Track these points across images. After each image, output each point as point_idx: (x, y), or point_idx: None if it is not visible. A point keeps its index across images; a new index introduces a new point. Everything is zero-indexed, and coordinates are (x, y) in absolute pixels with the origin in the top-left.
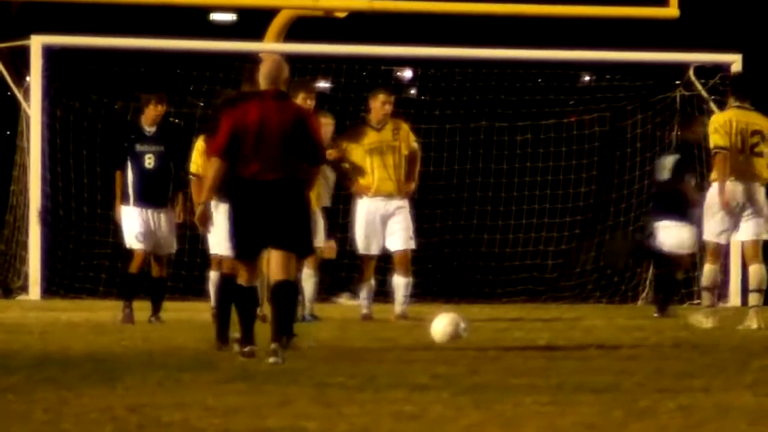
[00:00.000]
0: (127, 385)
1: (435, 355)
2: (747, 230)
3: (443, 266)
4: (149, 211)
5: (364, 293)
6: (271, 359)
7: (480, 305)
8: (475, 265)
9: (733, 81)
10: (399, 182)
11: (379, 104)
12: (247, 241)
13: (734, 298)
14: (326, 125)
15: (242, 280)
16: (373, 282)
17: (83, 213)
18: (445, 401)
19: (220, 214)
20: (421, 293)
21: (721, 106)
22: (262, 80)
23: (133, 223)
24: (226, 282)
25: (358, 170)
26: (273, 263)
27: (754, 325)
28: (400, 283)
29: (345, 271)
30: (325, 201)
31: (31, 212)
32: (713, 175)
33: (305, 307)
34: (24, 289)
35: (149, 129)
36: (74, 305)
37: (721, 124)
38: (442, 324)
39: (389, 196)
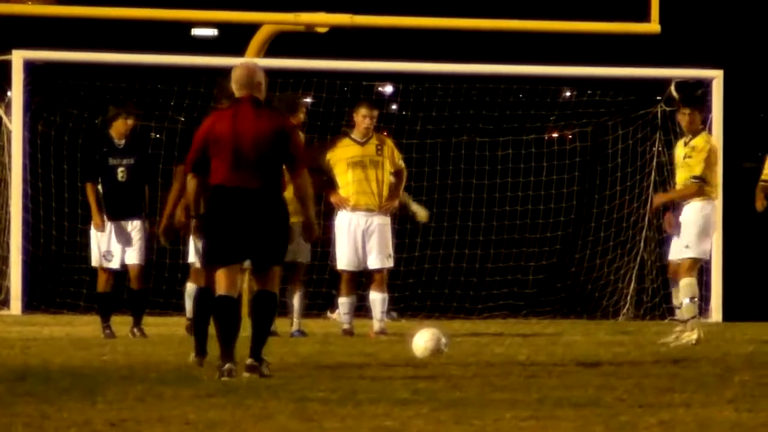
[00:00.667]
0: (108, 400)
1: (416, 370)
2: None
3: (424, 281)
4: (120, 225)
5: (344, 308)
6: (246, 374)
7: (461, 320)
8: (456, 280)
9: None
10: (380, 198)
11: (361, 118)
12: (221, 246)
13: (715, 313)
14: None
15: (220, 288)
16: (353, 297)
17: (64, 228)
18: (426, 416)
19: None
20: (401, 308)
21: (702, 122)
22: (235, 87)
23: (102, 241)
24: (203, 293)
25: (334, 182)
26: (254, 275)
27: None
28: (376, 299)
29: (326, 286)
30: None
31: (12, 227)
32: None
33: (293, 323)
34: (5, 303)
35: (119, 141)
36: (55, 320)
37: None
38: (423, 339)
39: (369, 211)
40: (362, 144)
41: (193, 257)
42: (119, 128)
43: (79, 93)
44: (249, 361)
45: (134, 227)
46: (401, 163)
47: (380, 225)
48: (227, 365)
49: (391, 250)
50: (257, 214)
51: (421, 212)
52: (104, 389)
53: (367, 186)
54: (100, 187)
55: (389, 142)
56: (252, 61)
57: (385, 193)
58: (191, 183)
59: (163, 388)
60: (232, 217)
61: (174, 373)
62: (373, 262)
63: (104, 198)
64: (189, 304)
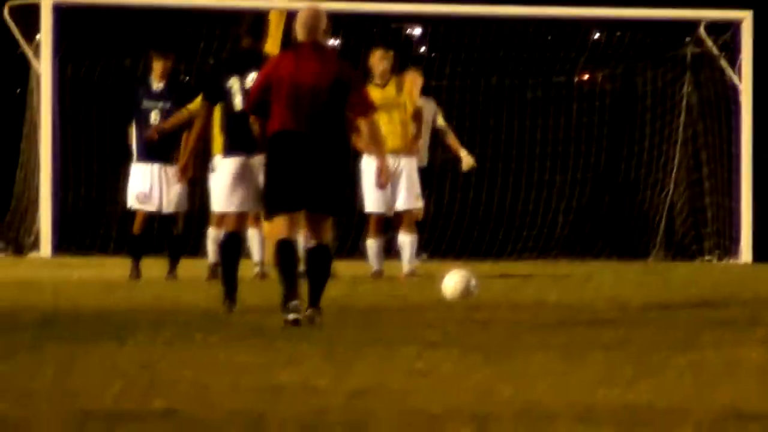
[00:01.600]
0: (138, 342)
1: (446, 312)
2: None
3: (454, 224)
4: (156, 168)
5: (373, 250)
6: (308, 323)
7: (490, 262)
8: (486, 221)
9: None
10: (405, 139)
11: (377, 61)
12: (280, 194)
13: (746, 254)
14: (416, 85)
15: (282, 233)
16: (382, 239)
17: (93, 170)
18: (456, 358)
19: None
20: (432, 251)
21: (732, 62)
22: (299, 30)
23: (137, 182)
24: (231, 239)
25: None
26: (307, 227)
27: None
28: (405, 241)
29: (354, 230)
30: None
31: (41, 170)
32: None
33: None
34: (35, 246)
35: (158, 85)
36: (85, 262)
37: None
38: (453, 281)
39: (396, 153)
40: (382, 87)
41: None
42: (156, 71)
43: (107, 36)
44: (309, 311)
45: (170, 173)
46: (420, 103)
47: (407, 166)
48: (293, 303)
49: (419, 191)
50: (316, 160)
51: (468, 159)
52: (133, 332)
53: (391, 128)
54: (135, 130)
55: (408, 82)
56: (315, 4)
57: (410, 133)
58: (255, 126)
59: (192, 331)
60: (292, 164)
61: (203, 316)
62: (402, 203)
63: (137, 140)
64: (211, 249)
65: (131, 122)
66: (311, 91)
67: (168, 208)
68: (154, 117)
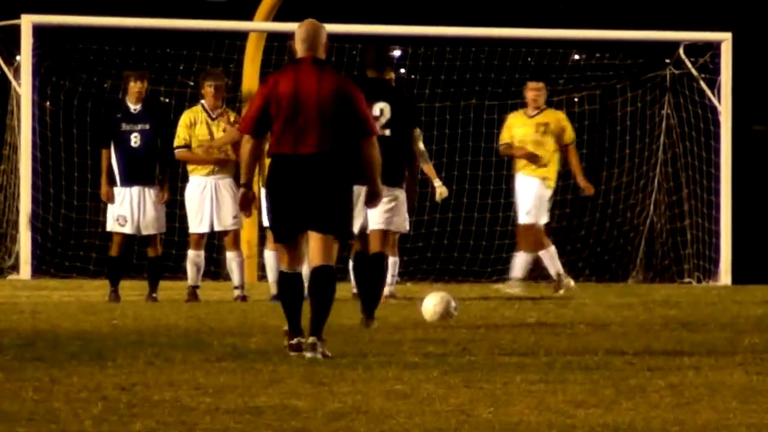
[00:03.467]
0: (118, 364)
1: (425, 333)
2: None
3: (434, 244)
4: (136, 190)
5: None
6: (309, 354)
7: (470, 283)
8: (465, 243)
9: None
10: None
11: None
12: (283, 222)
13: (725, 276)
14: None
15: (283, 264)
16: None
17: (74, 192)
18: (436, 380)
19: (191, 192)
20: (411, 272)
21: (712, 84)
22: (298, 46)
23: (117, 205)
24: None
25: None
26: (311, 247)
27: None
28: (389, 263)
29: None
30: None
31: (21, 191)
32: None
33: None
34: (15, 268)
35: (135, 107)
36: (64, 284)
37: None
38: (432, 303)
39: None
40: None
41: (192, 226)
42: (132, 92)
43: (88, 57)
44: (311, 339)
45: (151, 195)
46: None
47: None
48: (296, 339)
49: (406, 215)
50: (318, 181)
51: (441, 189)
52: (114, 354)
53: None
54: (112, 152)
55: None
56: (313, 20)
57: None
58: (246, 146)
59: (172, 352)
60: (292, 188)
61: (184, 337)
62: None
63: (118, 164)
64: (191, 271)
65: (108, 145)
66: (313, 109)
67: (146, 230)
68: (135, 140)
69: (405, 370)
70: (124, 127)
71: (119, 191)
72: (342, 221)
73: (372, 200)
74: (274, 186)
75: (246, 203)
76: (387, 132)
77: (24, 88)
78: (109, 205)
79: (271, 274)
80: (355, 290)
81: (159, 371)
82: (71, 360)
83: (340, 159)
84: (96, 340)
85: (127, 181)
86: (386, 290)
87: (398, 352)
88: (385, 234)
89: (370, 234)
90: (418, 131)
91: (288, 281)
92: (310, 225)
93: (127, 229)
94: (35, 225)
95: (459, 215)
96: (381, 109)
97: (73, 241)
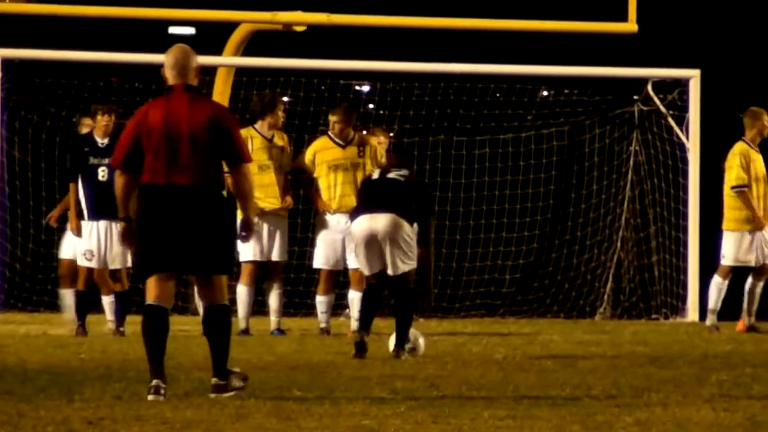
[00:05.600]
0: (85, 398)
1: (393, 369)
2: None
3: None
4: (103, 225)
5: (322, 307)
6: (213, 395)
7: (437, 319)
8: (433, 279)
9: None
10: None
11: (334, 121)
12: (155, 253)
13: (692, 313)
14: (382, 143)
15: (150, 297)
16: (331, 296)
17: (41, 226)
18: (403, 415)
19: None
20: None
21: (680, 121)
22: (168, 73)
23: (84, 239)
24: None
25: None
26: (199, 288)
27: None
28: (355, 298)
29: (303, 285)
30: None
31: None
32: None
33: (271, 321)
34: None
35: (102, 141)
36: (32, 318)
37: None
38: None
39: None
40: (343, 147)
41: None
42: (99, 126)
43: (57, 91)
44: (214, 380)
45: (117, 229)
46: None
47: None
48: (154, 381)
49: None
50: (193, 215)
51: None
52: (81, 388)
53: (348, 189)
54: (80, 186)
55: (372, 143)
56: (183, 45)
57: None
58: (119, 180)
59: (140, 386)
60: (164, 219)
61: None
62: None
63: (86, 197)
64: (240, 309)
65: (75, 179)
66: (185, 138)
67: (113, 264)
68: (102, 174)
69: (372, 405)
70: (92, 160)
71: (86, 225)
72: (223, 258)
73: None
74: (147, 217)
75: (127, 238)
76: None
77: None
78: (76, 239)
79: (242, 309)
80: (323, 325)
81: (127, 406)
82: (39, 394)
83: (217, 192)
84: (64, 374)
85: (94, 215)
86: (355, 324)
87: (366, 387)
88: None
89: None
90: None
91: (153, 315)
92: (194, 269)
93: (94, 264)
94: (3, 259)
95: (426, 250)
96: None
97: (40, 275)
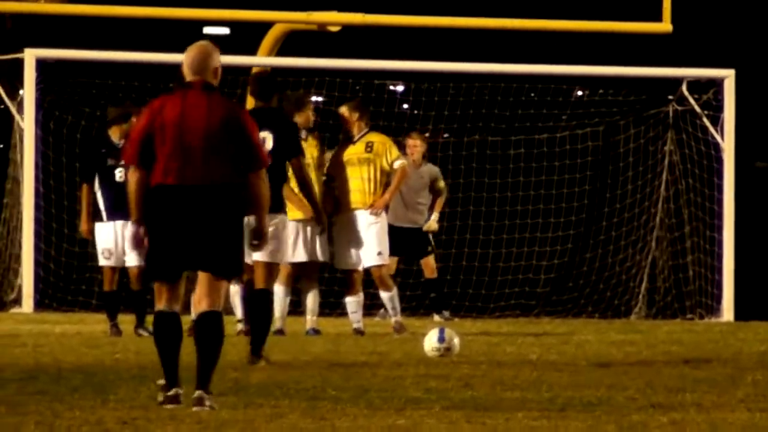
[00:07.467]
0: (120, 398)
1: (427, 369)
2: None
3: (436, 280)
4: (119, 224)
5: (353, 307)
6: (195, 409)
7: (472, 319)
8: (468, 279)
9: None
10: (369, 195)
11: (345, 117)
12: (166, 258)
13: (727, 313)
14: (417, 147)
15: (160, 303)
16: (361, 296)
17: (76, 226)
18: (438, 415)
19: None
20: (414, 307)
21: (714, 121)
22: (186, 70)
23: (102, 239)
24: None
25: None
26: (197, 290)
27: None
28: (384, 297)
29: (338, 285)
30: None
31: (24, 225)
32: None
33: (307, 321)
34: (17, 301)
35: (119, 142)
36: (67, 318)
37: None
38: (434, 338)
39: (359, 209)
40: (354, 143)
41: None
42: (119, 129)
43: (91, 91)
44: (197, 393)
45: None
46: (399, 162)
47: (371, 224)
48: (173, 390)
49: (380, 248)
50: (204, 215)
51: (432, 223)
52: (116, 388)
53: (357, 184)
54: (97, 187)
55: (380, 140)
56: (204, 42)
57: (379, 190)
58: (133, 177)
59: None
60: (173, 223)
61: (186, 371)
62: (368, 261)
63: (103, 198)
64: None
65: (90, 180)
66: (200, 137)
67: (131, 262)
68: (119, 175)
69: (407, 405)
70: (109, 162)
71: (105, 225)
72: (233, 260)
73: (257, 238)
74: (158, 219)
75: (138, 241)
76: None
77: (27, 122)
78: (97, 240)
79: (278, 309)
80: (356, 325)
81: (161, 406)
82: (73, 394)
83: (230, 192)
84: (98, 373)
85: (111, 215)
86: (392, 321)
87: (400, 387)
88: (269, 266)
89: (254, 265)
90: (436, 172)
91: (165, 322)
92: (200, 265)
93: (112, 262)
94: (38, 259)
95: (462, 251)
96: (263, 138)
97: (75, 274)
